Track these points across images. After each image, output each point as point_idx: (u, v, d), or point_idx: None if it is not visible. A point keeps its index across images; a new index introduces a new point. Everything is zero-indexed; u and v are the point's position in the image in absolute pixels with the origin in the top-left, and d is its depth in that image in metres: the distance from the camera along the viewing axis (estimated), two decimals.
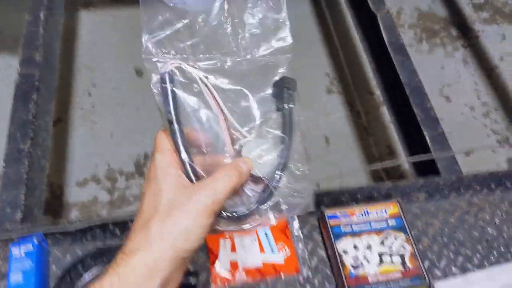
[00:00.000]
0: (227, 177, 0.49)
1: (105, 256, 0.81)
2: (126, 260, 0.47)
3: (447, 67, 1.83)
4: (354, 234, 0.88)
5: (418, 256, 0.86)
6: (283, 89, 0.53)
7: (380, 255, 0.86)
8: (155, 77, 0.51)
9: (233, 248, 0.88)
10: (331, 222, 0.90)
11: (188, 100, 0.51)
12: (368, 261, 0.85)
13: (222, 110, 0.51)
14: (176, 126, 0.50)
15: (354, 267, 0.84)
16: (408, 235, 0.88)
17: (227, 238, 0.89)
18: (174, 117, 0.50)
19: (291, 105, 0.52)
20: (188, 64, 0.52)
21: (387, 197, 0.96)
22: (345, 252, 0.86)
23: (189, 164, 0.49)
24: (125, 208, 1.41)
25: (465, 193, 0.98)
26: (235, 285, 0.84)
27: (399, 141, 1.22)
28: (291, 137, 0.52)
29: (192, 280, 0.81)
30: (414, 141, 1.12)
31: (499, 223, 0.96)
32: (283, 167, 0.51)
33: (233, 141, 0.52)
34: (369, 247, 0.87)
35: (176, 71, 0.52)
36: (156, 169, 0.50)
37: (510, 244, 0.93)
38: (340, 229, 0.89)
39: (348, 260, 0.85)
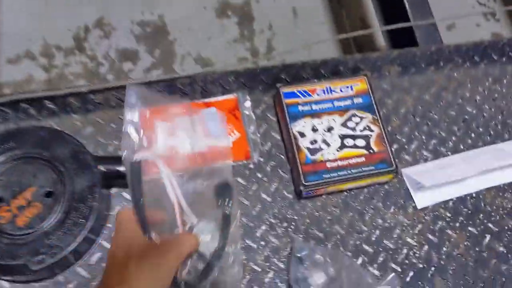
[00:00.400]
0: (188, 242, 0.55)
1: (14, 140, 0.67)
2: None
3: None
4: (313, 114, 0.76)
5: (385, 139, 0.74)
6: (223, 196, 0.61)
7: (342, 138, 0.74)
8: (127, 156, 0.58)
9: (172, 132, 0.74)
10: (287, 101, 0.76)
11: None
12: (328, 144, 0.74)
13: (176, 196, 0.60)
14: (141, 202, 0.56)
15: (311, 152, 0.73)
16: (376, 115, 0.76)
17: (165, 120, 0.75)
18: (141, 197, 0.56)
19: (227, 211, 0.59)
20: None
21: (355, 71, 0.82)
22: (301, 134, 0.74)
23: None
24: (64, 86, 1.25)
25: (445, 67, 0.85)
26: (175, 172, 0.72)
27: (373, 8, 1.06)
28: (227, 230, 0.58)
29: (121, 167, 0.68)
30: (391, 6, 0.95)
31: (480, 100, 0.84)
32: (221, 248, 0.57)
33: (184, 223, 0.58)
34: (330, 129, 0.75)
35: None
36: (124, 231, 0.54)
37: (491, 124, 0.82)
38: (297, 109, 0.76)
39: (304, 144, 0.73)
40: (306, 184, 0.70)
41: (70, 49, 1.29)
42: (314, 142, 0.74)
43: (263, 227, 0.71)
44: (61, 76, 1.26)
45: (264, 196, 0.73)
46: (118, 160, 0.69)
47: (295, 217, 0.72)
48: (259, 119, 0.78)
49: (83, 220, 0.65)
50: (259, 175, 0.74)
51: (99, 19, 1.33)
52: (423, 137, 0.79)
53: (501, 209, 0.76)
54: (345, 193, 0.75)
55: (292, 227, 0.72)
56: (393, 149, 0.76)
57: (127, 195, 0.71)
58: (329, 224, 0.72)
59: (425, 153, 0.78)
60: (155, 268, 0.50)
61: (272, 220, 0.72)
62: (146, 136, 0.64)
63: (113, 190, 0.71)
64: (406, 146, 0.79)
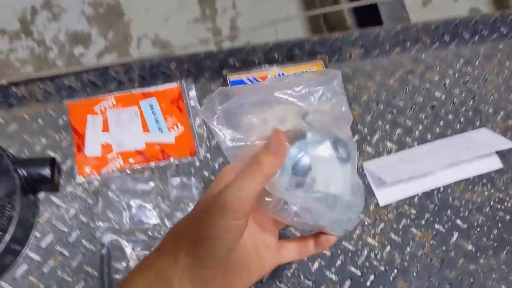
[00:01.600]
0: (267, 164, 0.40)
1: None
2: None
3: None
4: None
5: None
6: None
7: None
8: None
9: (106, 127, 0.67)
10: (235, 90, 0.68)
11: None
12: None
13: None
14: None
15: None
16: None
17: (97, 114, 0.67)
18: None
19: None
20: None
21: (312, 55, 0.75)
22: (251, 126, 0.66)
23: None
24: (11, 75, 1.16)
25: (411, 48, 0.78)
26: (109, 174, 0.65)
27: None
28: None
29: (45, 171, 0.60)
30: None
31: (449, 84, 0.77)
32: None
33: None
34: (282, 120, 0.67)
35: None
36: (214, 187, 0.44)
37: (461, 111, 0.75)
38: None
39: None
40: None
41: (15, 33, 1.19)
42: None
43: None
44: (6, 63, 1.16)
45: None
46: (41, 161, 0.62)
47: None
48: None
49: (0, 232, 0.57)
50: (206, 173, 0.67)
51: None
52: (387, 126, 0.73)
53: (470, 204, 0.70)
54: None
55: None
56: (353, 136, 0.69)
57: (56, 200, 0.63)
58: None
59: (389, 144, 0.72)
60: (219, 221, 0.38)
61: None
62: None
63: (41, 195, 0.64)
64: (368, 137, 0.72)
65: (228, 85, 0.68)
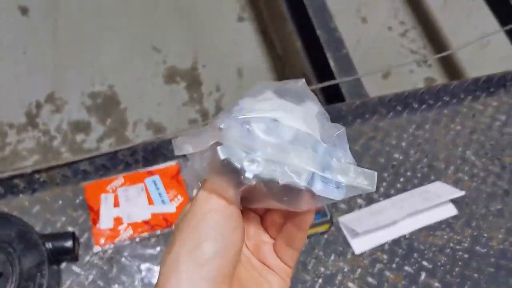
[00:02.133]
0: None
1: None
2: None
3: None
4: None
5: None
6: None
7: None
8: None
9: (117, 203, 0.78)
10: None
11: None
12: None
13: None
14: None
15: None
16: None
17: (109, 192, 0.79)
18: None
19: None
20: None
21: None
22: None
23: None
24: (19, 164, 1.27)
25: (371, 118, 0.92)
26: (121, 242, 0.75)
27: (309, 68, 1.14)
28: None
29: (67, 243, 0.71)
30: (321, 65, 1.04)
31: (405, 146, 0.91)
32: None
33: None
34: None
35: None
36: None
37: (417, 168, 0.89)
38: None
39: None
40: None
41: (22, 126, 1.33)
42: None
43: None
44: (15, 153, 1.28)
45: None
46: (64, 236, 0.72)
47: None
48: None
49: None
50: None
51: (50, 94, 1.37)
52: None
53: (433, 246, 0.81)
54: None
55: None
56: None
57: (76, 268, 0.73)
58: None
59: (359, 200, 0.84)
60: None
61: None
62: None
63: (63, 265, 0.74)
64: None
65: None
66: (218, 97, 1.44)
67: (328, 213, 0.78)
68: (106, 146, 1.30)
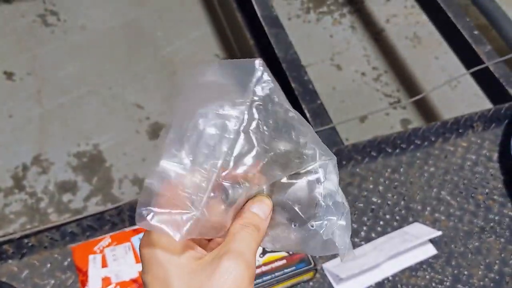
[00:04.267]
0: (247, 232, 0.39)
1: None
2: None
3: (336, 35, 1.82)
4: None
5: None
6: None
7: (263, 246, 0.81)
8: None
9: (104, 263, 0.80)
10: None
11: None
12: None
13: None
14: None
15: None
16: None
17: (97, 253, 0.80)
18: None
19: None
20: None
21: None
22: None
23: None
24: (7, 227, 1.28)
25: (347, 165, 0.96)
26: None
27: None
28: None
29: None
30: None
31: (382, 190, 0.94)
32: None
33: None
34: None
35: None
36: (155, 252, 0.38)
37: (395, 210, 0.92)
38: None
39: None
40: None
41: (9, 189, 1.34)
42: None
43: None
44: (2, 217, 1.29)
45: None
46: None
47: None
48: None
49: None
50: None
51: (36, 156, 1.40)
52: None
53: (416, 287, 0.83)
54: None
55: None
56: None
57: None
58: None
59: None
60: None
61: None
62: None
63: None
64: None
65: None
66: None
67: (311, 261, 0.80)
68: (93, 205, 1.32)
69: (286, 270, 0.79)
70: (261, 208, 0.40)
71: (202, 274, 0.37)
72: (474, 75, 1.23)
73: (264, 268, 0.79)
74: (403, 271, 0.85)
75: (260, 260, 0.80)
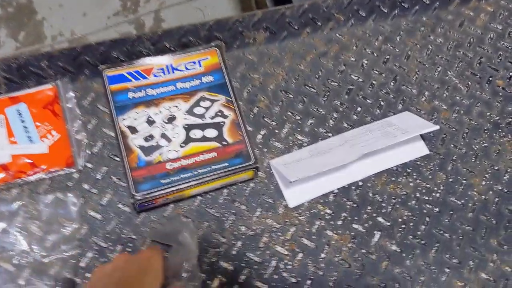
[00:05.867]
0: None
1: None
2: None
3: None
4: (149, 102, 0.59)
5: (242, 126, 0.59)
6: None
7: (188, 129, 0.58)
8: None
9: None
10: (114, 86, 0.59)
11: None
12: (168, 139, 0.58)
13: None
14: None
15: (146, 151, 0.57)
16: (231, 96, 0.60)
17: None
18: None
19: None
20: None
21: (210, 41, 0.66)
22: (132, 129, 0.58)
23: None
24: None
25: (324, 27, 0.69)
26: None
27: None
28: None
29: None
30: None
31: (367, 65, 0.69)
32: None
33: None
34: (171, 119, 0.59)
35: None
36: None
37: (380, 93, 0.67)
38: (126, 96, 0.59)
39: (136, 142, 0.57)
40: (136, 194, 0.55)
41: None
42: (149, 138, 0.57)
43: (89, 254, 0.55)
44: None
45: (92, 213, 0.57)
46: None
47: (133, 237, 0.57)
48: (87, 113, 0.61)
49: None
50: (86, 187, 0.58)
51: None
52: (298, 117, 0.64)
53: (393, 197, 0.62)
54: (200, 197, 0.59)
55: (129, 249, 0.56)
56: (256, 138, 0.61)
57: None
58: None
59: (299, 137, 0.63)
60: None
61: (102, 244, 0.56)
62: None
63: None
64: (276, 131, 0.63)
65: (106, 83, 0.59)
66: (158, 6, 1.19)
67: (252, 155, 0.58)
68: None
69: (214, 167, 0.57)
70: None
71: None
72: None
73: (183, 162, 0.56)
74: (378, 175, 0.63)
75: (179, 152, 0.57)
